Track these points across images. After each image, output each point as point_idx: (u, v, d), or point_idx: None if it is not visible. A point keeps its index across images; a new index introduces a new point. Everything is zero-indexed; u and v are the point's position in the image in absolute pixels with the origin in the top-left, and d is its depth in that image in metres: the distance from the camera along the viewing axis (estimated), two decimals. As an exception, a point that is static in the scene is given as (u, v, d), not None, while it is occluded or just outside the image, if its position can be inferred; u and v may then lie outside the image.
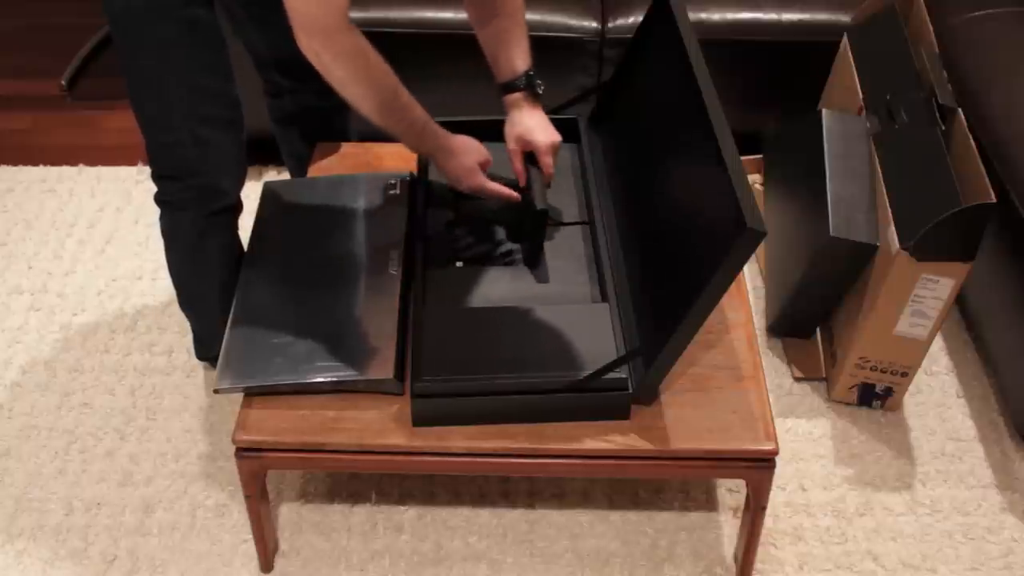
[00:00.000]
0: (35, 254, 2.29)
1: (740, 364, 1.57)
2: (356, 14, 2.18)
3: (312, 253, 1.67)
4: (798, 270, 1.88)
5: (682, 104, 1.52)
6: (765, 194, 2.23)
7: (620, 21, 2.23)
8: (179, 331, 2.08)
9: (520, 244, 1.67)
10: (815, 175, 1.88)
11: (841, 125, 1.92)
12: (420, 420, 1.47)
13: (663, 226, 1.54)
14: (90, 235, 2.33)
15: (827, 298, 1.93)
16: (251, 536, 1.67)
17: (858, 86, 1.99)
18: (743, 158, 1.86)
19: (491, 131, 1.69)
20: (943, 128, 1.78)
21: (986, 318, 1.95)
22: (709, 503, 1.78)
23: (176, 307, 1.94)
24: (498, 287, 1.60)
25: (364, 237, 1.69)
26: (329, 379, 1.48)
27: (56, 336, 2.09)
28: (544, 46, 2.21)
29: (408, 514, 1.76)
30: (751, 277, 2.19)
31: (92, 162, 2.54)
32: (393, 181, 1.78)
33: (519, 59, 1.62)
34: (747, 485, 1.53)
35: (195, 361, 2.02)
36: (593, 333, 1.49)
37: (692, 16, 2.19)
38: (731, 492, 1.79)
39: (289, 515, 1.76)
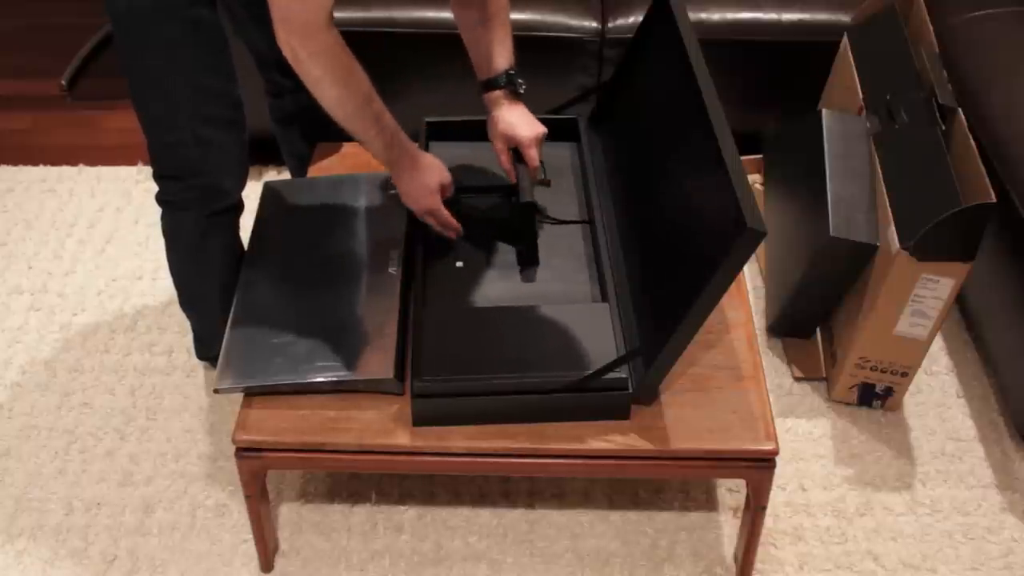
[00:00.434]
0: (35, 254, 2.29)
1: (740, 364, 1.57)
2: (356, 14, 2.21)
3: (312, 253, 1.67)
4: (798, 270, 1.88)
5: (682, 104, 1.52)
6: (765, 194, 2.23)
7: (620, 21, 2.23)
8: (179, 331, 2.08)
9: (513, 239, 1.67)
10: (815, 175, 1.88)
11: (841, 125, 1.92)
12: (420, 420, 1.47)
13: (663, 226, 1.54)
14: (90, 235, 2.33)
15: (827, 298, 1.93)
16: (251, 536, 1.67)
17: (858, 86, 1.99)
18: (743, 158, 1.86)
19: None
20: (943, 128, 1.78)
21: (986, 318, 1.95)
22: (709, 503, 1.78)
23: (176, 307, 1.94)
24: (498, 287, 1.60)
25: (364, 237, 1.69)
26: (329, 379, 1.48)
27: (56, 336, 2.09)
28: (544, 46, 2.22)
29: (408, 514, 1.76)
30: (751, 277, 2.19)
31: (92, 162, 2.54)
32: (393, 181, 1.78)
33: (501, 57, 1.62)
34: (747, 485, 1.53)
35: (195, 361, 2.02)
36: (593, 333, 1.49)
37: (692, 16, 2.19)
38: (731, 492, 1.79)
39: (289, 515, 1.76)
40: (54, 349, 2.06)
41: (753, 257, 2.11)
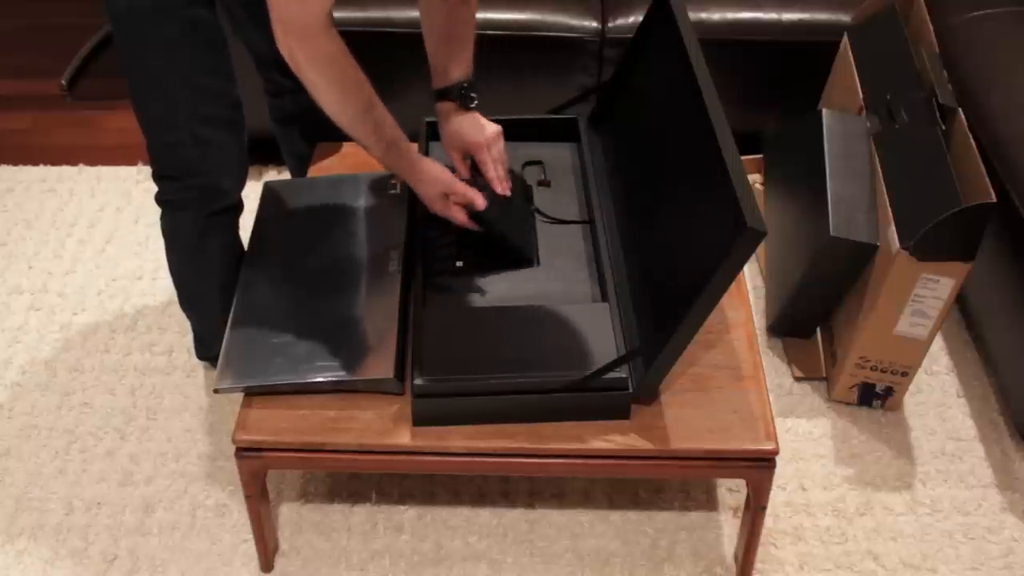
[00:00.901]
0: (35, 254, 2.29)
1: (740, 364, 1.57)
2: (356, 14, 2.21)
3: (312, 253, 1.67)
4: (798, 270, 1.88)
5: (682, 104, 1.52)
6: (765, 194, 2.23)
7: (620, 21, 2.23)
8: (179, 331, 2.08)
9: (511, 239, 1.66)
10: (815, 175, 1.88)
11: (841, 125, 1.92)
12: (420, 420, 1.47)
13: (663, 226, 1.54)
14: (90, 235, 2.33)
15: (827, 298, 1.93)
16: (251, 536, 1.67)
17: (858, 86, 1.99)
18: (743, 158, 1.86)
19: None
20: (943, 128, 1.78)
21: (986, 318, 1.95)
22: (709, 503, 1.78)
23: (176, 307, 1.94)
24: (498, 287, 1.60)
25: (364, 237, 1.69)
26: (329, 379, 1.48)
27: (56, 336, 2.09)
28: (544, 46, 2.22)
29: (408, 514, 1.76)
30: (751, 277, 2.19)
31: (92, 162, 2.54)
32: (393, 181, 1.78)
33: (457, 68, 1.60)
34: (747, 485, 1.53)
35: (195, 361, 2.02)
36: (593, 333, 1.49)
37: (692, 16, 2.19)
38: (731, 492, 1.79)
39: (289, 515, 1.76)
40: (54, 349, 2.06)
41: (753, 257, 2.11)
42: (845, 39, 2.10)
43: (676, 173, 1.54)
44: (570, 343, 1.48)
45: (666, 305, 1.44)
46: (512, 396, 1.45)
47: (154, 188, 1.69)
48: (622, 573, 1.68)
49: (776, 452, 1.46)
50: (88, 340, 2.08)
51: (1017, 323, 1.79)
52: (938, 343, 2.06)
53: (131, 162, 2.53)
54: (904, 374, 1.85)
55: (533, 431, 1.47)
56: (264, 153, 2.31)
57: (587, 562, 1.69)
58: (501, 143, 1.64)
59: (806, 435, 1.89)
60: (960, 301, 2.09)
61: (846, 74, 2.06)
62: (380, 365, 1.48)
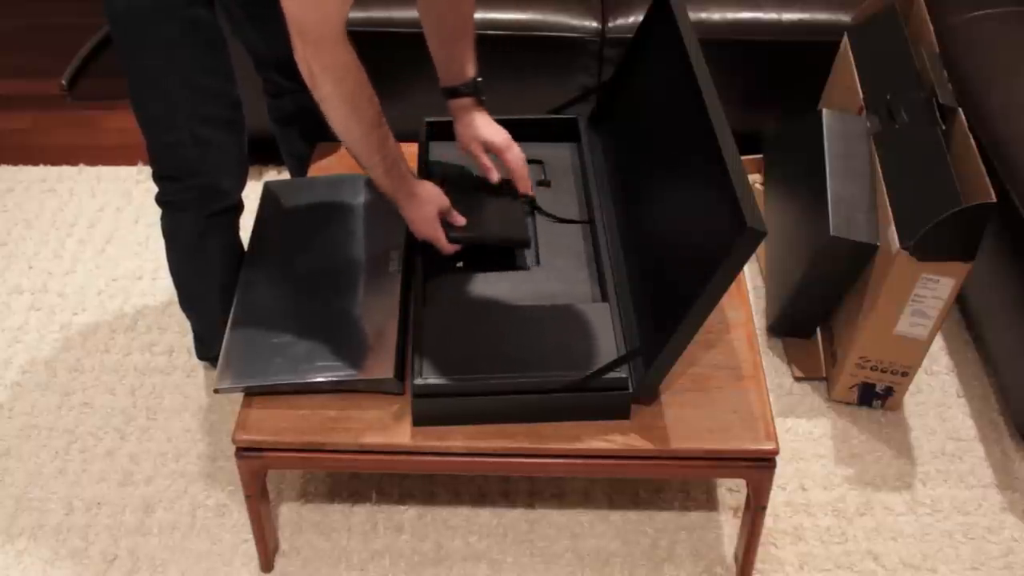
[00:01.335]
0: (35, 254, 2.29)
1: (740, 364, 1.57)
2: (356, 14, 2.20)
3: (312, 253, 1.67)
4: (798, 270, 1.88)
5: (682, 104, 1.52)
6: (765, 194, 2.23)
7: (620, 21, 2.23)
8: (179, 331, 2.08)
9: (510, 238, 1.66)
10: (815, 175, 1.88)
11: (841, 125, 1.92)
12: (420, 420, 1.47)
13: (663, 226, 1.54)
14: (90, 235, 2.33)
15: (827, 298, 1.93)
16: (251, 536, 1.67)
17: (858, 86, 1.99)
18: (743, 158, 1.86)
19: None
20: (943, 128, 1.78)
21: (986, 318, 1.95)
22: (709, 503, 1.78)
23: (176, 307, 1.94)
24: (498, 287, 1.60)
25: (364, 237, 1.69)
26: (329, 379, 1.48)
27: (56, 336, 2.09)
28: (544, 46, 2.22)
29: (408, 514, 1.76)
30: (751, 277, 2.19)
31: (92, 162, 2.54)
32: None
33: (469, 65, 1.63)
34: (747, 485, 1.53)
35: (195, 361, 2.02)
36: (593, 333, 1.49)
37: (692, 16, 2.19)
38: (731, 492, 1.79)
39: (289, 515, 1.76)
40: (54, 349, 2.06)
41: (753, 257, 2.11)
42: (845, 39, 2.10)
43: (676, 173, 1.54)
44: (570, 343, 1.48)
45: (666, 305, 1.44)
46: (512, 396, 1.45)
47: (154, 188, 1.69)
48: (622, 573, 1.68)
49: (776, 452, 1.46)
50: (88, 340, 2.08)
51: (1017, 323, 1.79)
52: (938, 343, 2.06)
53: (131, 162, 2.53)
54: (904, 374, 1.85)
55: (533, 431, 1.47)
56: (264, 153, 2.31)
57: (587, 562, 1.69)
58: (516, 146, 1.68)
59: (806, 435, 1.89)
60: (960, 301, 2.09)
61: (846, 74, 2.06)
62: (380, 365, 1.49)
